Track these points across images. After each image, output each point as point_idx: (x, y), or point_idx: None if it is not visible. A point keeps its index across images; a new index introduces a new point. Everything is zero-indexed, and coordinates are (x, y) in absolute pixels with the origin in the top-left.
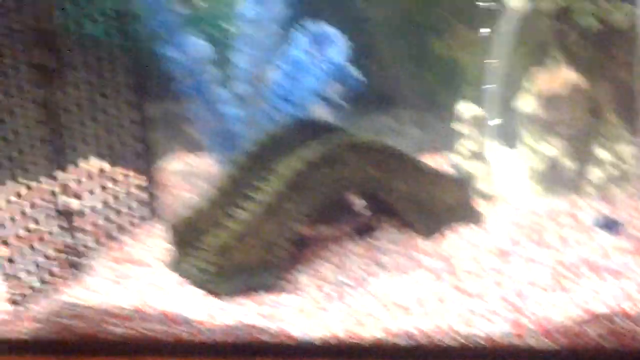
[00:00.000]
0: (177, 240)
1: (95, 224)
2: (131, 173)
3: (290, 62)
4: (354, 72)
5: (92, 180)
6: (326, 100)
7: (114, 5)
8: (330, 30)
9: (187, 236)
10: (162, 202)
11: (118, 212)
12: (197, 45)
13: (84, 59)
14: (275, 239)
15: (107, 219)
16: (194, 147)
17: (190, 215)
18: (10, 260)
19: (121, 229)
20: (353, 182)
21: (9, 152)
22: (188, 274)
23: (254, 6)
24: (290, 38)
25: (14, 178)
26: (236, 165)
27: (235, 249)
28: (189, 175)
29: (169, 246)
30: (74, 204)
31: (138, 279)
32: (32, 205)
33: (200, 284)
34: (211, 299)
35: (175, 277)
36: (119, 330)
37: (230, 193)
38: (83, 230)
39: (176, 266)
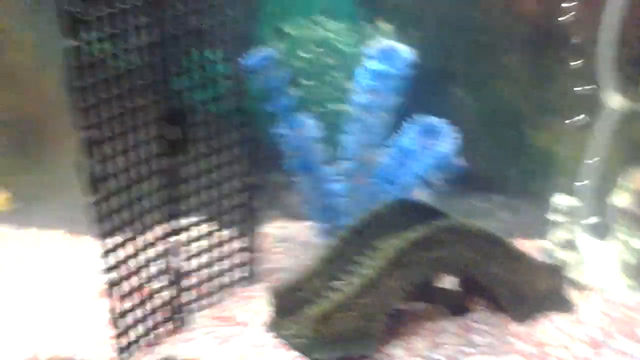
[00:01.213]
0: (278, 304)
1: (199, 283)
2: (235, 236)
3: (398, 148)
4: (457, 160)
5: (200, 242)
6: (427, 183)
7: (234, 88)
8: (439, 123)
9: (288, 302)
10: (262, 266)
11: (221, 272)
12: (307, 125)
13: (204, 134)
14: (373, 312)
15: (210, 278)
16: (293, 215)
17: (293, 282)
18: (122, 313)
19: (222, 288)
20: (451, 263)
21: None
22: (287, 338)
23: (365, 94)
24: (399, 125)
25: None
26: (339, 239)
27: (334, 318)
28: (287, 241)
29: (269, 309)
30: (182, 263)
31: (237, 338)
32: (146, 262)
33: (298, 349)
34: None
35: (275, 340)
36: None
37: (333, 265)
38: (188, 288)
39: (276, 329)
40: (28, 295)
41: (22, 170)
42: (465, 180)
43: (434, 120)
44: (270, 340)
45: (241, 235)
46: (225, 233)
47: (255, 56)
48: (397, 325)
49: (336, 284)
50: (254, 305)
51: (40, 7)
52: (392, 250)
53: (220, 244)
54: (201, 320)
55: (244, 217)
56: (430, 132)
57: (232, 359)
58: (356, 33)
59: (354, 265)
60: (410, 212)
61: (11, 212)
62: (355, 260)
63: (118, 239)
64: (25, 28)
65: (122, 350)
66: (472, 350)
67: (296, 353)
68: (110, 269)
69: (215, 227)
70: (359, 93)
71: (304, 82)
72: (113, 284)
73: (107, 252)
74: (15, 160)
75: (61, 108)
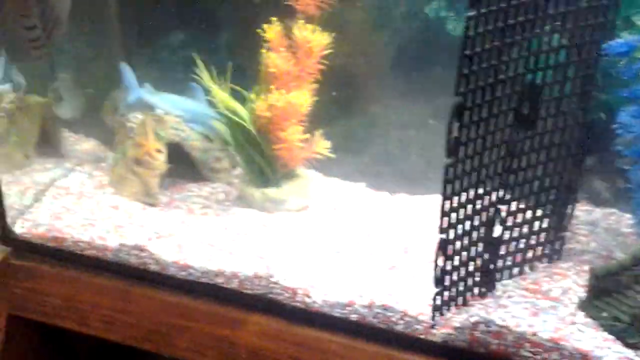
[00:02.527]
0: (596, 285)
1: (510, 253)
2: (548, 214)
3: None
4: None
5: (518, 214)
6: None
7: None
8: None
9: (607, 284)
10: (568, 246)
11: (531, 247)
12: None
13: (546, 112)
14: None
15: (520, 251)
16: (599, 201)
17: (614, 266)
18: (444, 271)
19: (531, 262)
20: None
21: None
22: (601, 320)
23: None
24: None
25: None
26: None
27: None
28: (593, 225)
29: (580, 289)
30: (499, 231)
31: (548, 312)
32: (473, 226)
33: (613, 332)
34: (625, 349)
35: (586, 319)
36: (531, 357)
37: None
38: (501, 256)
39: (589, 309)
40: (339, 243)
41: (336, 122)
42: None
43: None
44: (582, 319)
45: (553, 213)
46: (540, 209)
47: (622, 43)
48: None
49: None
50: (562, 283)
51: None
52: None
53: (534, 218)
54: (511, 289)
55: (560, 197)
56: None
57: (545, 331)
58: None
59: None
60: None
61: (320, 161)
62: None
63: (457, 201)
64: None
65: (437, 306)
66: None
67: (609, 336)
68: (445, 229)
69: (532, 202)
70: None
71: None
72: (445, 243)
73: (447, 213)
74: (333, 111)
75: (384, 68)
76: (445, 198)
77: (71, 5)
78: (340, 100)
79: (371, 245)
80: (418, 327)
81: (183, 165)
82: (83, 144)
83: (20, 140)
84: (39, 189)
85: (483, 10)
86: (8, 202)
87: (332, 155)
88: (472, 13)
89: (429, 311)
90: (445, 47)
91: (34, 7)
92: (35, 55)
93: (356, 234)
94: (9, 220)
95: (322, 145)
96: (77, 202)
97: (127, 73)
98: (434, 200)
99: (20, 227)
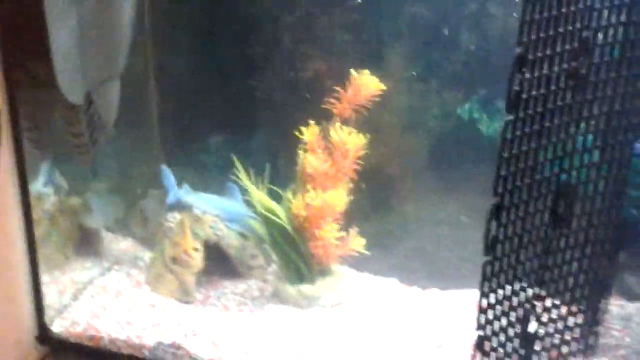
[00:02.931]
0: None
1: (546, 349)
2: (581, 309)
3: None
4: None
5: (553, 310)
6: None
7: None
8: None
9: None
10: (601, 341)
11: (565, 342)
12: None
13: (579, 211)
14: None
15: (554, 346)
16: (631, 296)
17: None
18: None
19: (565, 358)
20: None
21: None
22: None
23: None
24: None
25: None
26: None
27: None
28: (626, 320)
29: None
30: (537, 327)
31: None
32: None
33: None
34: None
35: None
36: None
37: None
38: (536, 352)
39: None
40: (373, 340)
41: (369, 218)
42: None
43: None
44: None
45: (587, 308)
46: (575, 304)
47: None
48: None
49: None
50: None
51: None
52: None
53: (569, 314)
54: None
55: (594, 292)
56: None
57: None
58: None
59: None
60: None
61: (353, 257)
62: None
63: (494, 298)
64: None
65: None
66: None
67: None
68: (483, 325)
69: (567, 298)
70: None
71: None
72: (482, 340)
73: (484, 309)
74: (366, 208)
75: (417, 167)
76: (482, 295)
77: (117, 112)
78: (374, 197)
79: (404, 341)
80: None
81: (219, 262)
82: (120, 243)
83: (60, 241)
84: (77, 288)
85: (520, 115)
86: (47, 301)
87: (367, 253)
88: (509, 118)
89: None
90: (476, 147)
91: (82, 114)
92: (80, 160)
93: (390, 331)
94: (47, 319)
95: (358, 243)
96: (115, 301)
97: (167, 174)
98: (467, 295)
99: (58, 327)
